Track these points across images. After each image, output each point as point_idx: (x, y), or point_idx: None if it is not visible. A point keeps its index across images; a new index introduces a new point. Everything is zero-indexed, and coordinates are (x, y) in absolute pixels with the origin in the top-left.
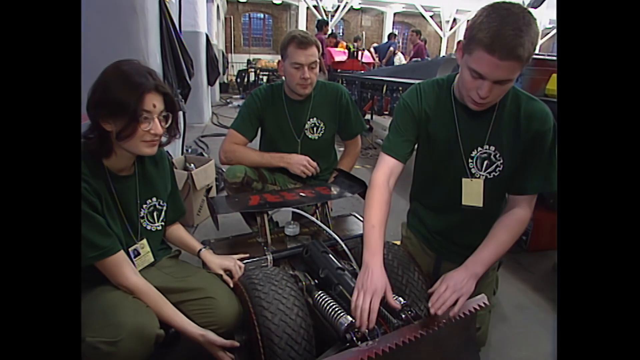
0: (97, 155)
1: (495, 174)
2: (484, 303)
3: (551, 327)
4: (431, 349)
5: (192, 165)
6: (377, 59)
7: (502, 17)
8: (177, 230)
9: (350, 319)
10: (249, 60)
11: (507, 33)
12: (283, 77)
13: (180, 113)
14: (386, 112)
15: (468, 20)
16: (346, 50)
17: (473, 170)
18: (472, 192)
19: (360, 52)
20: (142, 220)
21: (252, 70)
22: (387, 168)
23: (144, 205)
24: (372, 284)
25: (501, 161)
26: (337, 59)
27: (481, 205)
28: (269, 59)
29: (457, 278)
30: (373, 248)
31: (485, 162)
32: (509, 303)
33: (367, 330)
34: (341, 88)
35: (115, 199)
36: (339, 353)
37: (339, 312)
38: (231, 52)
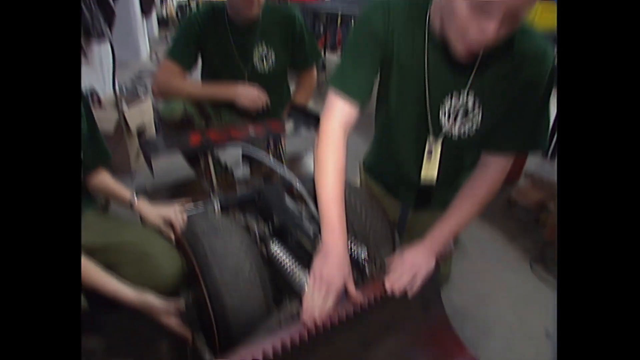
0: None
1: (471, 131)
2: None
3: (507, 261)
4: (396, 303)
5: (125, 104)
6: None
7: None
8: (101, 178)
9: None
10: None
11: None
12: None
13: (107, 44)
14: (340, 46)
15: None
16: None
17: (442, 123)
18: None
19: None
20: None
21: (194, 2)
22: (340, 114)
23: None
24: (331, 276)
25: (480, 115)
26: None
27: (434, 181)
28: None
29: (415, 255)
30: (337, 229)
31: (460, 115)
32: (466, 237)
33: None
34: (295, 12)
35: None
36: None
37: (297, 268)
38: None
